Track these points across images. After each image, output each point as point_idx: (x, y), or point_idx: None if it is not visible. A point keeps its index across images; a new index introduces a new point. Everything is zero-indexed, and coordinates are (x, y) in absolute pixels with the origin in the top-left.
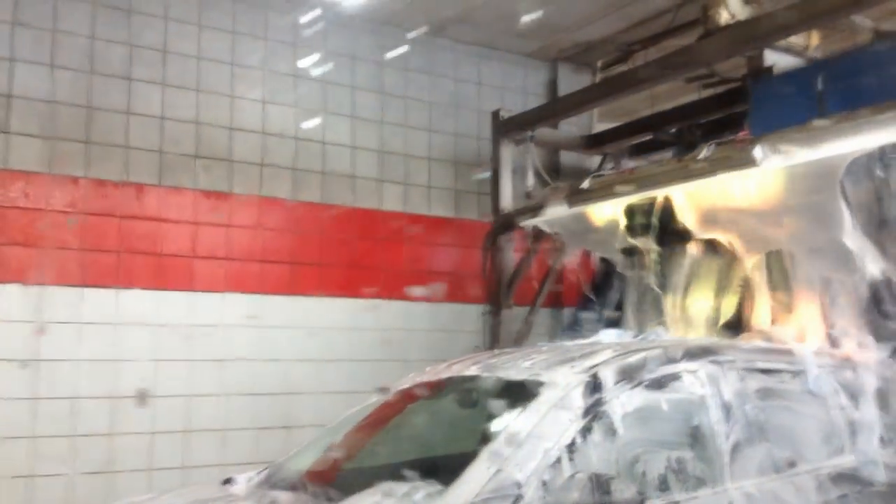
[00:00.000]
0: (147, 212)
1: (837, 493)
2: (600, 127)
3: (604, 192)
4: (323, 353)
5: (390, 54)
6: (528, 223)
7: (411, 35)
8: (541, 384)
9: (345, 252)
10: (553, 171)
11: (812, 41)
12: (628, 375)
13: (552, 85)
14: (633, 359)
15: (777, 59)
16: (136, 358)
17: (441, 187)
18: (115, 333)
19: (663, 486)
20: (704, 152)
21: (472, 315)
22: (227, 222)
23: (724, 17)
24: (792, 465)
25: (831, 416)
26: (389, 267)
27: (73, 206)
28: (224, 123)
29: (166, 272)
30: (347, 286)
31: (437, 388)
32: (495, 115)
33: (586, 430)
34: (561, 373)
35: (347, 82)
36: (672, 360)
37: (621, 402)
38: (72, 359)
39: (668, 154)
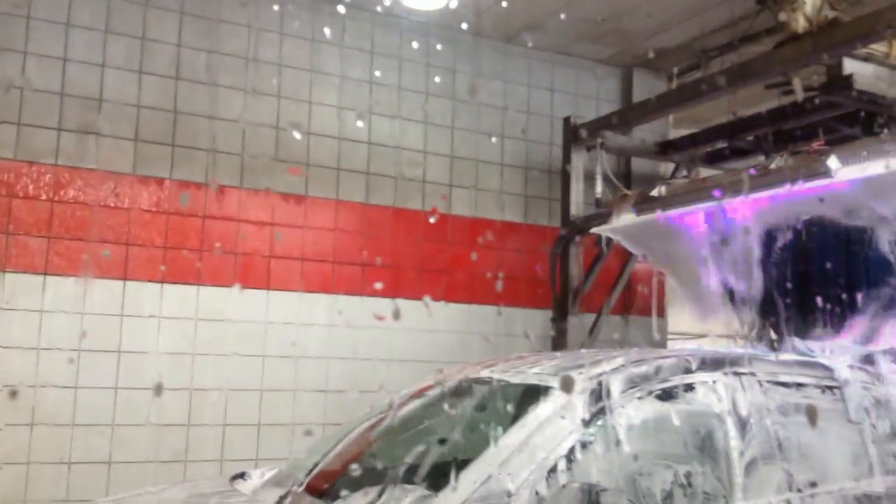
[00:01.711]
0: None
1: None
2: (675, 134)
3: (674, 199)
4: (392, 354)
5: (463, 61)
6: (597, 230)
7: (485, 42)
8: (546, 390)
9: (415, 255)
10: (625, 179)
11: (893, 49)
12: (637, 384)
13: (626, 91)
14: (645, 367)
15: (857, 68)
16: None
17: (512, 193)
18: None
19: (667, 501)
20: (778, 161)
21: (539, 321)
22: (302, 224)
23: (801, 24)
24: (813, 485)
25: (861, 436)
26: (457, 270)
27: (157, 206)
28: (302, 128)
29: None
30: (416, 288)
31: (448, 392)
32: (566, 121)
33: (588, 440)
34: (568, 380)
35: (421, 88)
36: (687, 370)
37: (628, 411)
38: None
39: (743, 163)
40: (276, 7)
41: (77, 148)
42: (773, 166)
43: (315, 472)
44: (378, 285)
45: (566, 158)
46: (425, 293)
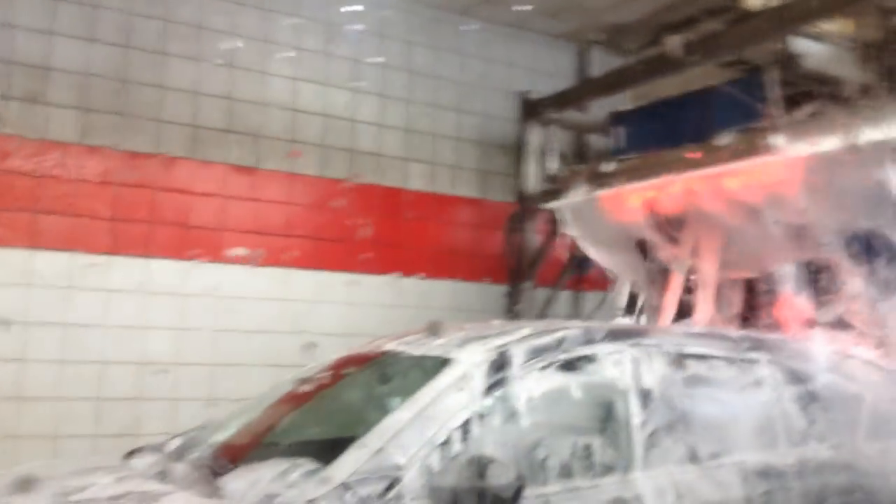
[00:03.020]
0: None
1: (763, 488)
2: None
3: (625, 175)
4: (347, 328)
5: (420, 33)
6: (550, 206)
7: (442, 14)
8: (446, 362)
9: (370, 229)
10: (581, 156)
11: (845, 29)
12: (539, 355)
13: (582, 67)
14: (548, 338)
15: (806, 48)
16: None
17: (468, 168)
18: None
19: (564, 471)
20: (726, 139)
21: (495, 295)
22: (254, 197)
23: (753, 1)
24: (715, 456)
25: (769, 409)
26: (412, 245)
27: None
28: (255, 99)
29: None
30: (370, 263)
31: (357, 365)
32: (523, 96)
33: (485, 411)
34: (468, 350)
35: (377, 60)
36: (591, 341)
37: (528, 382)
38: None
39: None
40: None
41: (22, 117)
42: (720, 143)
43: (211, 446)
44: (329, 258)
45: (521, 134)
46: (378, 268)
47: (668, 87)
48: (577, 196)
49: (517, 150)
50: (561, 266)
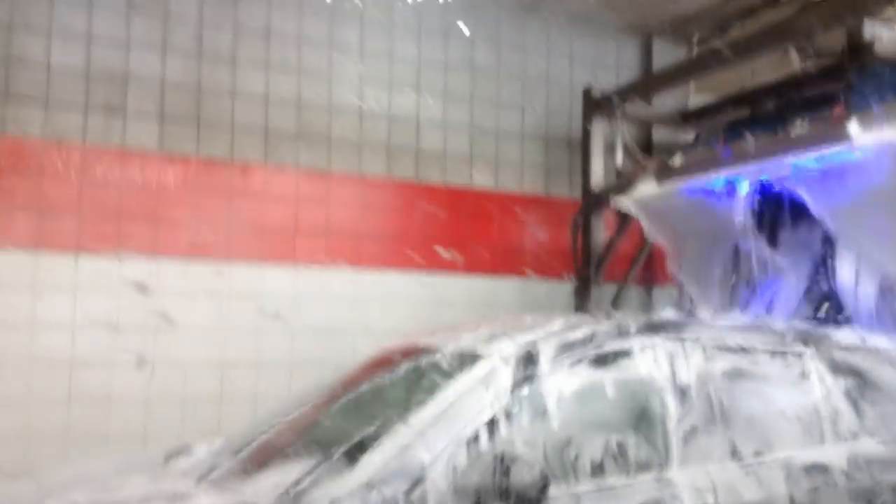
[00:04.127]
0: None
1: (809, 485)
2: (696, 102)
3: (694, 168)
4: (416, 327)
5: (482, 32)
6: (618, 201)
7: (504, 12)
8: (475, 358)
9: (437, 228)
10: (646, 149)
11: None
12: (569, 350)
13: (646, 60)
14: (579, 333)
15: (878, 32)
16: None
17: (532, 165)
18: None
19: (597, 470)
20: (798, 128)
21: (562, 292)
22: (326, 200)
23: None
24: (758, 453)
25: (816, 403)
26: (479, 243)
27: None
28: (324, 103)
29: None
30: (437, 262)
31: (389, 362)
32: (586, 91)
33: (512, 409)
34: (497, 346)
35: (441, 61)
36: (624, 335)
37: (558, 378)
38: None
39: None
40: None
41: (103, 126)
42: (793, 133)
43: (248, 447)
44: (400, 259)
45: (586, 129)
46: (445, 266)
47: (734, 77)
48: (645, 190)
49: (582, 146)
50: (629, 261)
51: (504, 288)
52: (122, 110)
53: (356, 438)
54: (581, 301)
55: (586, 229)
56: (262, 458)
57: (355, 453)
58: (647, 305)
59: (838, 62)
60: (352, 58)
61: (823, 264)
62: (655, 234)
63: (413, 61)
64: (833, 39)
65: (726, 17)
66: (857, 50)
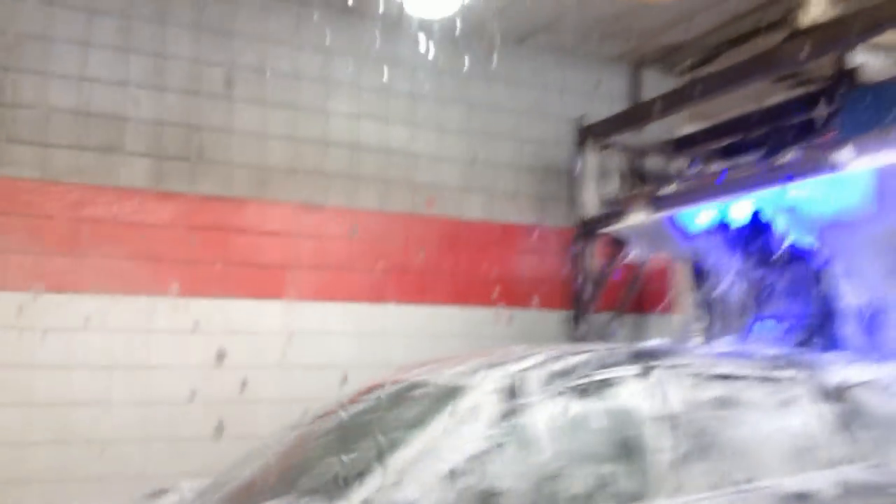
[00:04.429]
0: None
1: None
2: (688, 127)
3: (686, 197)
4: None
5: (475, 64)
6: (611, 230)
7: (495, 45)
8: (460, 390)
9: (431, 260)
10: (638, 177)
11: None
12: (555, 381)
13: (636, 90)
14: (565, 363)
15: (865, 59)
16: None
17: (525, 195)
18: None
19: (583, 501)
20: (790, 156)
21: (557, 321)
22: (320, 234)
23: (809, 16)
24: (747, 481)
25: (806, 429)
26: (473, 275)
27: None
28: (318, 138)
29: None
30: (432, 294)
31: (376, 395)
32: (578, 121)
33: (498, 441)
34: (482, 378)
35: (434, 94)
36: (612, 364)
37: (543, 409)
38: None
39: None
40: (288, 19)
41: (99, 166)
42: (784, 160)
43: (228, 485)
44: (395, 293)
45: (578, 158)
46: (440, 298)
47: (725, 104)
48: (639, 218)
49: (575, 175)
50: (623, 289)
51: (500, 318)
52: (119, 150)
53: (340, 475)
54: (575, 330)
55: (580, 258)
56: (244, 496)
57: (339, 490)
58: (641, 333)
59: (827, 88)
60: (346, 92)
61: (815, 289)
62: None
63: (407, 94)
64: (822, 65)
65: (714, 46)
66: (845, 77)
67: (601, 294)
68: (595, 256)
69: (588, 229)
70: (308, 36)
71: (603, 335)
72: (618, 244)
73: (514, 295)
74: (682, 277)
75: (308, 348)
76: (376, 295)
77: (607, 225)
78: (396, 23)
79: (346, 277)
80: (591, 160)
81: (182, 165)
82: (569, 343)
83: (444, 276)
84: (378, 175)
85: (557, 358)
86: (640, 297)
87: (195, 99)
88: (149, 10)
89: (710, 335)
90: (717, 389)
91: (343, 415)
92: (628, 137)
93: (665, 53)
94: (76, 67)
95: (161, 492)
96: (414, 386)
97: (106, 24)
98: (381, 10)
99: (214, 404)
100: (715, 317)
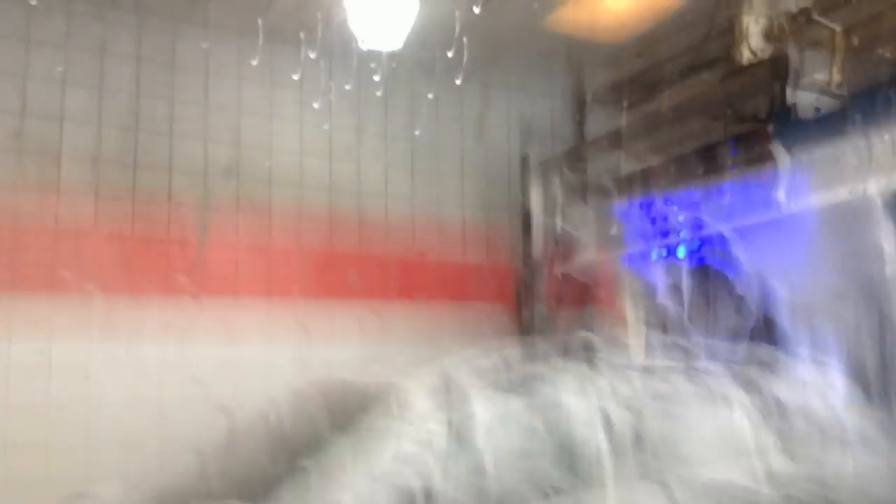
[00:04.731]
0: None
1: None
2: (629, 164)
3: (632, 236)
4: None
5: (421, 100)
6: (560, 270)
7: (442, 80)
8: (392, 388)
9: (377, 300)
10: (584, 213)
11: (834, 77)
12: (487, 378)
13: (580, 126)
14: (497, 360)
15: (799, 97)
16: None
17: (473, 232)
18: None
19: (514, 497)
20: (729, 194)
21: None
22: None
23: (745, 55)
24: (677, 475)
25: (731, 421)
26: (419, 313)
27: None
28: (264, 174)
29: None
30: (377, 333)
31: (307, 398)
32: (524, 159)
33: (429, 441)
34: (414, 377)
35: (381, 130)
36: (544, 360)
37: (477, 407)
38: None
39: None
40: (231, 52)
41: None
42: (723, 199)
43: (156, 492)
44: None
45: (525, 196)
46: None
47: (667, 142)
48: (586, 256)
49: (522, 212)
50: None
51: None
52: (56, 185)
53: (271, 480)
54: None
55: (528, 294)
56: (172, 501)
57: (269, 495)
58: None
59: (763, 126)
60: (292, 127)
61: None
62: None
63: (353, 129)
64: (759, 103)
65: (656, 83)
66: (782, 113)
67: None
68: (543, 292)
69: (537, 266)
70: (250, 69)
71: (546, 331)
72: (567, 280)
73: (462, 336)
74: (626, 289)
75: (245, 357)
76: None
77: (555, 261)
78: (342, 57)
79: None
80: (538, 197)
81: (122, 204)
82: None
83: (390, 314)
84: (323, 211)
85: (489, 354)
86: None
87: (135, 133)
88: (89, 42)
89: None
90: (647, 383)
91: (274, 417)
92: (573, 175)
93: (608, 90)
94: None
95: (80, 496)
96: (346, 386)
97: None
98: (326, 43)
99: (145, 409)
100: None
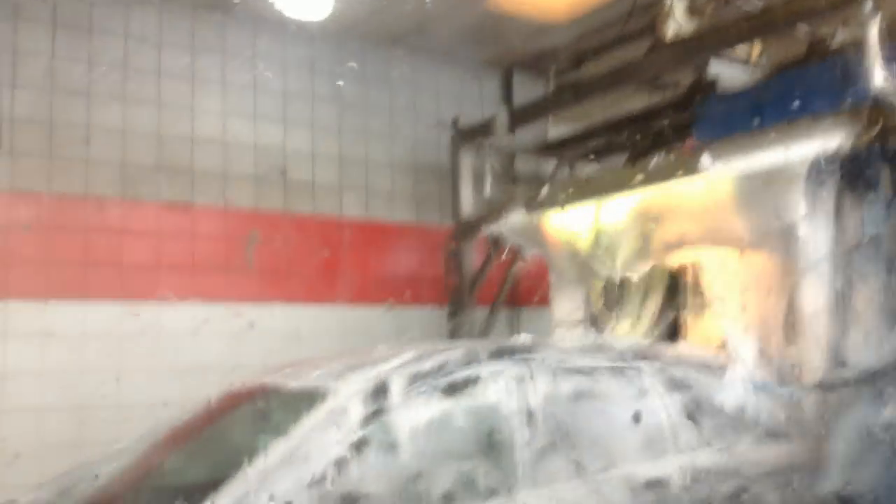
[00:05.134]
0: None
1: (650, 499)
2: (556, 130)
3: (560, 199)
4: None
5: (349, 64)
6: (489, 230)
7: (370, 45)
8: (324, 394)
9: (307, 258)
10: (511, 178)
11: (754, 52)
12: (419, 381)
13: (508, 93)
14: (429, 363)
15: (721, 70)
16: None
17: (402, 194)
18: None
19: (447, 499)
20: (656, 160)
21: (436, 319)
22: (190, 234)
23: (671, 29)
24: (603, 470)
25: (656, 418)
26: (351, 273)
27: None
28: (185, 135)
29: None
30: (308, 293)
31: (237, 401)
32: (454, 123)
33: (362, 445)
34: (346, 381)
35: (307, 92)
36: (473, 362)
37: (409, 410)
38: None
39: (621, 159)
40: (154, 16)
41: None
42: (651, 165)
43: (79, 496)
44: (271, 290)
45: (455, 160)
46: (317, 297)
47: (590, 107)
48: (514, 219)
49: (451, 176)
50: (499, 285)
51: (378, 317)
52: None
53: (196, 484)
54: (454, 327)
55: (458, 257)
56: None
57: (199, 499)
58: (517, 327)
59: (686, 96)
60: (215, 89)
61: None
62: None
63: (279, 93)
64: (682, 75)
65: (582, 53)
66: (703, 86)
67: (479, 291)
68: (473, 255)
69: (465, 229)
70: (175, 32)
71: (480, 330)
72: (495, 242)
73: (393, 293)
74: (555, 275)
75: (177, 351)
76: (247, 295)
77: (484, 225)
78: (267, 20)
79: (214, 278)
80: (467, 161)
81: (38, 164)
82: (443, 339)
83: (320, 274)
84: (249, 173)
85: (421, 358)
86: (515, 292)
87: (52, 96)
88: (4, 8)
89: (584, 329)
90: (573, 382)
91: (205, 420)
92: (502, 139)
93: (535, 59)
94: None
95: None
96: (276, 391)
97: None
98: (249, 7)
99: (76, 410)
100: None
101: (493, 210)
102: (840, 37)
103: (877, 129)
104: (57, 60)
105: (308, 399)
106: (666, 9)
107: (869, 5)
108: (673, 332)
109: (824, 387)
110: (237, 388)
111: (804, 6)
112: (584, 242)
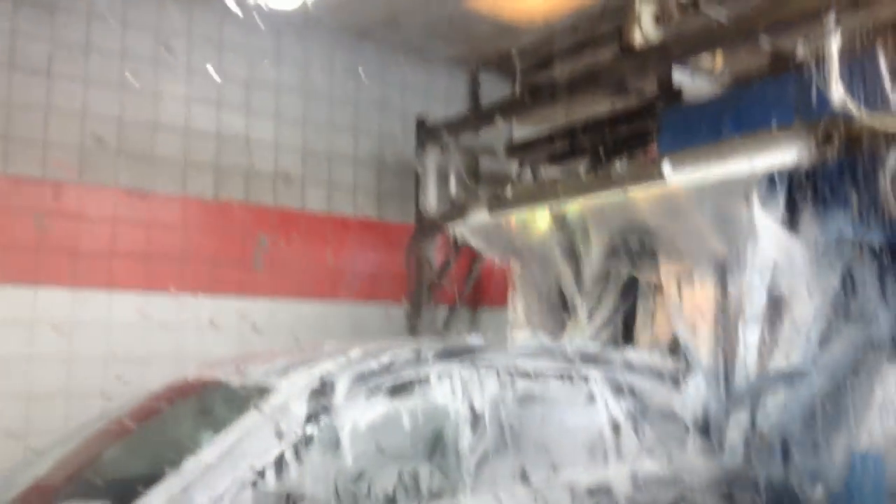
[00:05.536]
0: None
1: None
2: (520, 131)
3: (523, 200)
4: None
5: (316, 55)
6: (452, 229)
7: (337, 37)
8: (266, 391)
9: (267, 251)
10: (474, 177)
11: (717, 63)
12: (365, 380)
13: (475, 92)
14: (375, 362)
15: (684, 80)
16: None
17: (365, 189)
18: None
19: (389, 502)
20: (618, 167)
21: (395, 316)
22: (148, 221)
23: (637, 37)
24: (546, 476)
25: (602, 425)
26: (311, 267)
27: None
28: (147, 121)
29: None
30: (267, 287)
31: (178, 395)
32: (420, 121)
33: (303, 445)
34: (289, 378)
35: (272, 82)
36: (420, 363)
37: (353, 410)
38: None
39: (583, 162)
40: None
41: None
42: (612, 171)
43: (13, 489)
44: (228, 283)
45: (419, 156)
46: (276, 291)
47: (557, 113)
48: (477, 218)
49: (415, 172)
50: (460, 284)
51: (336, 312)
52: None
53: (132, 479)
54: (413, 324)
55: (419, 255)
56: (30, 500)
57: (130, 496)
58: (476, 327)
59: (651, 104)
60: (178, 75)
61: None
62: (492, 256)
63: (243, 81)
64: (648, 82)
65: (549, 56)
66: (668, 95)
67: (440, 289)
68: (434, 252)
69: (428, 226)
70: (141, 16)
71: (438, 329)
72: (456, 241)
73: (352, 288)
74: (514, 275)
75: (127, 341)
76: (205, 286)
77: (446, 223)
78: (234, 6)
79: (172, 268)
80: (431, 158)
81: None
82: (397, 337)
83: (279, 268)
84: (211, 161)
85: (367, 356)
86: (475, 292)
87: (10, 75)
88: None
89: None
90: (520, 387)
91: (146, 413)
92: (466, 139)
93: (502, 59)
94: None
95: None
96: (218, 385)
97: None
98: None
99: (24, 398)
100: (542, 314)
101: (456, 209)
102: (801, 51)
103: (834, 142)
104: (17, 38)
105: (250, 395)
106: (633, 15)
107: (831, 20)
108: (627, 333)
109: (733, 393)
110: (180, 381)
111: (768, 19)
112: (543, 245)
